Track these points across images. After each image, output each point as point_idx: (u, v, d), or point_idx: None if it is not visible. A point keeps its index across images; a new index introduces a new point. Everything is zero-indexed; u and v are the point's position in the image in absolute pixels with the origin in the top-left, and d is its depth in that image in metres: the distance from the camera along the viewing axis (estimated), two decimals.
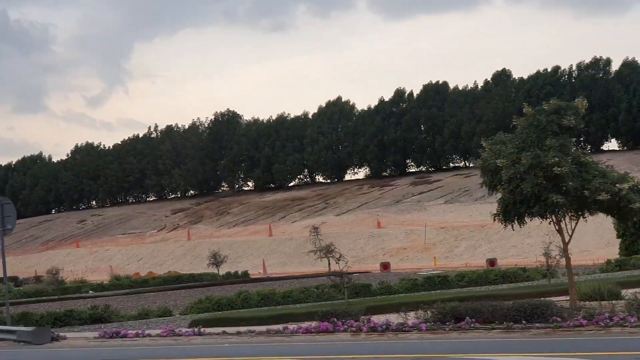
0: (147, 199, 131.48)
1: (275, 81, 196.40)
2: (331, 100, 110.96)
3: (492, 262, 45.36)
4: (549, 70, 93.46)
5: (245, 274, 55.21)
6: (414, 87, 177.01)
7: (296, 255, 66.70)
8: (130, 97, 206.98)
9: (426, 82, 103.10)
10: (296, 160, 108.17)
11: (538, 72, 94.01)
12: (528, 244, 53.99)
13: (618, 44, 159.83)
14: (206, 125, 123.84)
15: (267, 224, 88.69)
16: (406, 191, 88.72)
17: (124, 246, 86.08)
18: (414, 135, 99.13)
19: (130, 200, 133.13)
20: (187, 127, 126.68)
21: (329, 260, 52.90)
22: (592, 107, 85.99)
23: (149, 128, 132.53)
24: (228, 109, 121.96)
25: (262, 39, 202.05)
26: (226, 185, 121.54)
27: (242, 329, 20.16)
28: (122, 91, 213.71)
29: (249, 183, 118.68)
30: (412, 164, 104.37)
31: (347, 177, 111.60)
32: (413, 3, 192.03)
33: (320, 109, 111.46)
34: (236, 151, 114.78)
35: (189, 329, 20.75)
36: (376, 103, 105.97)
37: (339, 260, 24.42)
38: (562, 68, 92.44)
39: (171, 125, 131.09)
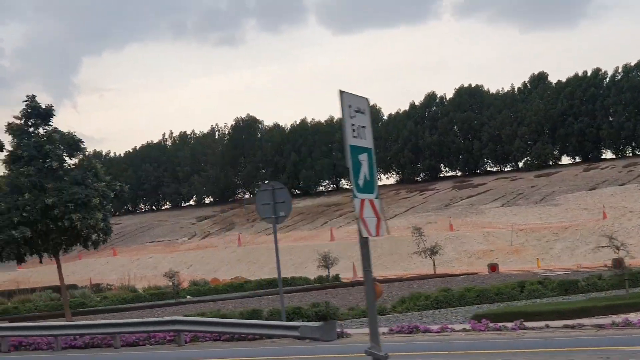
0: (162, 207, 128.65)
1: (225, 93, 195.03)
2: None
3: (619, 261, 43.93)
4: (589, 73, 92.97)
5: (337, 277, 53.32)
6: (375, 98, 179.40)
7: None
8: (79, 111, 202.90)
9: (458, 86, 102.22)
10: (325, 165, 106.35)
11: (577, 75, 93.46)
12: (632, 244, 52.80)
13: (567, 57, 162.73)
14: (225, 132, 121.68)
15: (311, 229, 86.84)
16: (452, 195, 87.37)
17: (166, 253, 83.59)
18: (450, 139, 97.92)
19: (145, 209, 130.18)
20: (205, 132, 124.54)
21: (433, 261, 51.69)
22: None
23: (163, 135, 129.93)
24: (248, 114, 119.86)
25: (211, 53, 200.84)
26: (248, 192, 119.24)
27: (569, 322, 18.47)
28: (70, 105, 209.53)
29: None
30: (446, 168, 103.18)
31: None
32: (362, 18, 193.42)
33: None
34: (259, 157, 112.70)
35: (508, 323, 18.95)
36: (407, 107, 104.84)
37: (618, 250, 22.78)
38: (603, 70, 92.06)
39: (185, 131, 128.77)
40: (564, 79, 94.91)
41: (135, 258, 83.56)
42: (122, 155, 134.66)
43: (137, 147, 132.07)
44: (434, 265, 50.75)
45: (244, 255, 74.62)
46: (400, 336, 19.36)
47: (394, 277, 51.97)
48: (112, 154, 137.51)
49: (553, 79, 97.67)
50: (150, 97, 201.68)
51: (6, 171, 28.41)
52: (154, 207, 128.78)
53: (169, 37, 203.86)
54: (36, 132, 27.65)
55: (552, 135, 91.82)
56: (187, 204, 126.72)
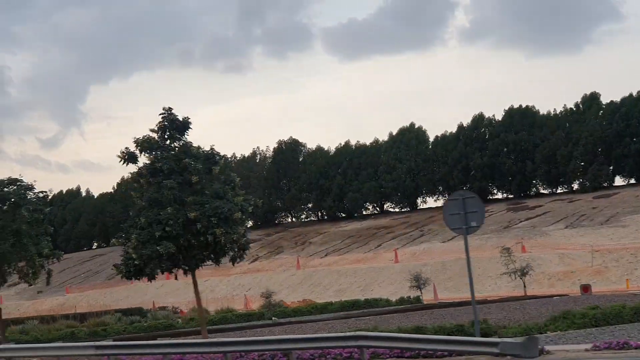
0: None
1: (230, 121, 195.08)
2: (405, 126, 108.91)
3: None
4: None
5: (418, 299, 52.28)
6: (380, 126, 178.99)
7: (438, 282, 63.68)
8: (86, 138, 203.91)
9: (507, 107, 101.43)
10: (372, 188, 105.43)
11: (631, 95, 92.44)
12: None
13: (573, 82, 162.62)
14: (268, 155, 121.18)
15: (365, 252, 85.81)
16: (508, 217, 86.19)
17: (220, 277, 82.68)
18: (501, 160, 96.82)
19: None
20: (246, 156, 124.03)
21: (524, 282, 50.53)
22: None
23: None
24: (291, 137, 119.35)
25: (218, 80, 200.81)
26: (291, 216, 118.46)
27: None
28: (77, 133, 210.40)
29: (318, 213, 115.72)
30: (495, 190, 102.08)
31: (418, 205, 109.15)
32: (367, 45, 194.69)
33: (392, 136, 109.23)
34: (304, 180, 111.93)
35: None
36: (455, 129, 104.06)
37: None
38: None
39: (226, 155, 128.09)
40: (607, 100, 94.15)
41: (190, 281, 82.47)
42: None
43: None
44: (524, 286, 49.64)
45: (304, 278, 73.60)
46: (610, 352, 18.30)
47: (478, 299, 50.76)
48: None
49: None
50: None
51: (135, 184, 27.76)
52: None
53: (176, 65, 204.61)
54: (172, 145, 26.96)
55: (607, 156, 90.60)
56: None
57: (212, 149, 26.98)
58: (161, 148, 26.79)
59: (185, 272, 27.94)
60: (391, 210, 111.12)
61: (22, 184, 29.93)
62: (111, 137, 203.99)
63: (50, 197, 31.89)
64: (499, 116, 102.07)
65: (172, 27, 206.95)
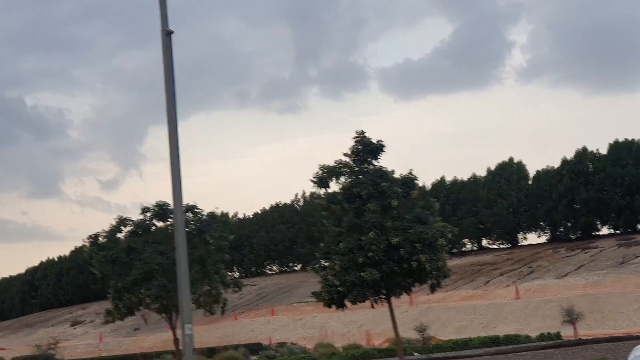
0: (294, 268, 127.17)
1: (286, 161, 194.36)
2: (505, 161, 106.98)
3: None
4: None
5: (558, 335, 50.26)
6: (435, 164, 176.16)
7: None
8: (145, 180, 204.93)
9: (612, 141, 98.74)
10: (471, 223, 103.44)
11: None
12: None
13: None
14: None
15: (474, 288, 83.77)
16: (622, 253, 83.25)
17: (329, 313, 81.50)
18: (609, 195, 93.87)
19: (274, 270, 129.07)
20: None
21: None
22: None
23: (296, 195, 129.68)
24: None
25: (275, 121, 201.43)
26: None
27: None
28: (136, 174, 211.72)
29: None
30: (600, 225, 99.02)
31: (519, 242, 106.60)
32: (423, 85, 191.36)
33: (491, 171, 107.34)
34: None
35: None
36: (558, 164, 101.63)
37: None
38: None
39: (314, 192, 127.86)
40: None
41: (298, 318, 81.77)
42: (251, 216, 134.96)
43: (267, 208, 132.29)
44: None
45: (418, 314, 71.74)
46: None
47: (620, 335, 48.65)
48: (240, 215, 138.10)
49: None
50: (216, 164, 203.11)
51: (324, 212, 27.11)
52: (286, 268, 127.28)
53: (233, 105, 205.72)
54: (365, 169, 26.29)
55: None
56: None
57: (410, 172, 26.23)
58: (355, 172, 26.14)
59: (376, 300, 26.98)
60: (489, 246, 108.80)
61: (198, 210, 29.61)
62: (169, 178, 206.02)
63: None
64: (603, 150, 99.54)
65: (229, 69, 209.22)
